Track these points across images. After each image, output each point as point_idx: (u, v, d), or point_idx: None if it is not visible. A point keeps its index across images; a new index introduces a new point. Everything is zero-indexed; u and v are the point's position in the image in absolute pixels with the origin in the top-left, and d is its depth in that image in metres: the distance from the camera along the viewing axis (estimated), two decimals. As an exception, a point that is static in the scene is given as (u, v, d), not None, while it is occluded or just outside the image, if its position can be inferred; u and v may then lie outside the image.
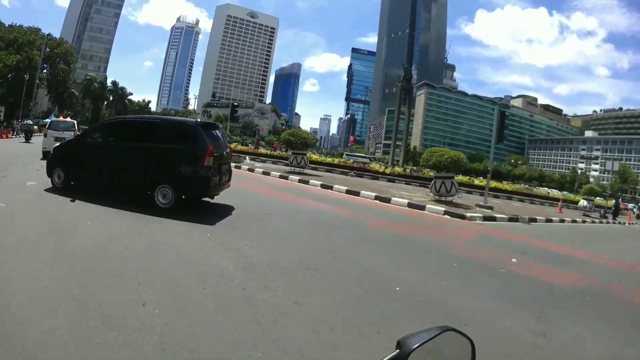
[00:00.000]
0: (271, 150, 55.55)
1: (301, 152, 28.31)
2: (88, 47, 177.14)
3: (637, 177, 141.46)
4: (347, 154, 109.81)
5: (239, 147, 52.32)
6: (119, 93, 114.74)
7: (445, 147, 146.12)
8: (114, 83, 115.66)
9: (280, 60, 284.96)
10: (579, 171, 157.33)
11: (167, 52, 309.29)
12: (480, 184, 40.70)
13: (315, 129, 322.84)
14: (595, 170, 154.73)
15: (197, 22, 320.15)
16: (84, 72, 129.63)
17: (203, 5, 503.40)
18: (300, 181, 21.62)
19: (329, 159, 47.75)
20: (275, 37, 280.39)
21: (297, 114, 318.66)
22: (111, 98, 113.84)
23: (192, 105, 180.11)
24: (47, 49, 72.11)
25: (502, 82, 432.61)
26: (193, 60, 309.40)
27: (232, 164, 13.30)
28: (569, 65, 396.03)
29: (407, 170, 46.14)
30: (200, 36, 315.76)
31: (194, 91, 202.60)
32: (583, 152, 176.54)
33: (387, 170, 40.94)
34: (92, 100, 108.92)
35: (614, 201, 39.47)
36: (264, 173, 24.05)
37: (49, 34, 77.25)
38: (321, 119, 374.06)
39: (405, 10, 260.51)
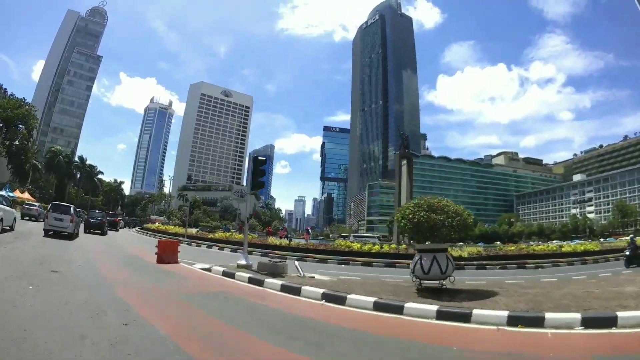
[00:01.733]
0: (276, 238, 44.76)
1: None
2: (58, 120, 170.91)
3: (637, 209, 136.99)
4: (354, 236, 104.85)
5: (223, 234, 44.89)
6: (87, 170, 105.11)
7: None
8: (81, 159, 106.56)
9: (252, 142, 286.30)
10: (579, 216, 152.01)
11: (141, 135, 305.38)
12: (472, 250, 30.03)
13: (291, 211, 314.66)
14: (591, 212, 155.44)
15: (170, 103, 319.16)
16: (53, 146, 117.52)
17: (174, 89, 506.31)
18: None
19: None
20: (250, 117, 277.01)
21: (271, 196, 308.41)
22: (78, 175, 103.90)
23: (167, 188, 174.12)
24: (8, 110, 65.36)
25: (471, 145, 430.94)
26: (167, 143, 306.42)
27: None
28: (533, 116, 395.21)
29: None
30: (173, 120, 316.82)
31: (168, 174, 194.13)
32: (575, 197, 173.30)
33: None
34: (57, 177, 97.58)
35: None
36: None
37: (11, 93, 71.05)
38: (295, 200, 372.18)
39: (377, 83, 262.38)
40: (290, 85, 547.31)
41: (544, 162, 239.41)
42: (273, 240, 37.11)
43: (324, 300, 9.63)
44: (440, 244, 11.32)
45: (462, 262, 24.54)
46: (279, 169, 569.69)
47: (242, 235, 36.63)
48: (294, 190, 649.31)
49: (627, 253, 23.27)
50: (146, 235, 50.07)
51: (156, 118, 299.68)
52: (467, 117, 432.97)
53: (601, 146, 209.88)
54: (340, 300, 9.41)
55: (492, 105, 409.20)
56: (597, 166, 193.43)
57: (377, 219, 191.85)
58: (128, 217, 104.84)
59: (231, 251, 30.13)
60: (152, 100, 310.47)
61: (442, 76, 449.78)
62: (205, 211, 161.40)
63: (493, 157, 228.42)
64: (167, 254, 16.76)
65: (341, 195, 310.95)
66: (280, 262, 15.35)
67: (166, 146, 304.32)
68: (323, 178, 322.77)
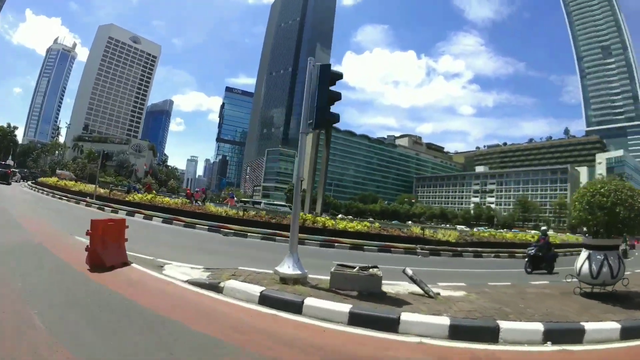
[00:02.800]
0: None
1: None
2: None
3: (538, 206, 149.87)
4: (266, 203, 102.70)
5: (128, 196, 31.04)
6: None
7: (332, 190, 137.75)
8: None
9: (151, 96, 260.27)
10: (483, 206, 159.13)
11: (39, 78, 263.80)
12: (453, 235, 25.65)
13: (182, 170, 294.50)
14: (492, 203, 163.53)
15: (74, 45, 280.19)
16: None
17: (80, 32, 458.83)
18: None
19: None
20: (156, 67, 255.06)
21: (165, 154, 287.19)
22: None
23: (63, 136, 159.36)
24: None
25: (367, 124, 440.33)
26: (65, 90, 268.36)
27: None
28: (435, 105, 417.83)
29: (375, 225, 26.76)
30: (74, 65, 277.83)
31: (65, 121, 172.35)
32: (476, 187, 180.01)
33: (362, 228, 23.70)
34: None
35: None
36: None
37: None
38: (188, 160, 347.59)
39: (289, 50, 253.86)
40: (198, 42, 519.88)
41: (445, 150, 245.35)
42: (215, 208, 26.55)
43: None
44: (613, 239, 8.57)
45: (459, 249, 22.79)
46: (174, 126, 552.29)
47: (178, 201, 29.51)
48: (187, 149, 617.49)
49: (531, 252, 16.71)
50: (43, 193, 37.44)
51: (57, 61, 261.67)
52: (368, 96, 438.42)
53: (505, 144, 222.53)
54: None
55: (395, 88, 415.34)
56: (498, 161, 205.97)
57: (274, 186, 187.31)
58: (19, 168, 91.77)
59: (207, 230, 20.52)
60: (55, 41, 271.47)
61: (350, 53, 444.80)
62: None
63: (396, 138, 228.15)
64: (108, 247, 7.99)
65: (235, 158, 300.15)
66: (372, 269, 7.94)
67: (64, 93, 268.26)
68: (219, 139, 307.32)
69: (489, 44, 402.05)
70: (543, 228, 19.35)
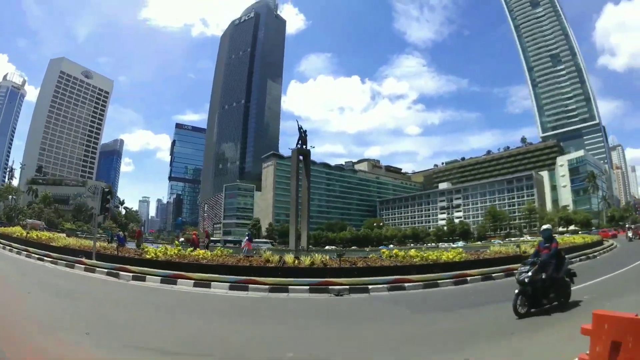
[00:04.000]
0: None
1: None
2: None
3: (508, 214, 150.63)
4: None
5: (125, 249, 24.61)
6: None
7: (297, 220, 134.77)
8: None
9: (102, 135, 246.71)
10: (455, 221, 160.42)
11: None
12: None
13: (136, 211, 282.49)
14: (459, 218, 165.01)
15: (24, 82, 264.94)
16: None
17: (27, 70, 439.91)
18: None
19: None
20: (108, 104, 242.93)
21: (117, 196, 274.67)
22: None
23: (17, 179, 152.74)
24: None
25: (315, 152, 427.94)
26: (15, 130, 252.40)
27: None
28: (381, 128, 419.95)
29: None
30: (24, 105, 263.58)
31: (19, 162, 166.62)
32: (442, 203, 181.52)
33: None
34: None
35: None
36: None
37: None
38: (140, 201, 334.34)
39: (241, 82, 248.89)
40: (142, 79, 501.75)
41: (402, 171, 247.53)
42: (202, 254, 19.47)
43: None
44: None
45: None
46: (123, 166, 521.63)
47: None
48: (137, 190, 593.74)
49: (525, 278, 9.70)
50: (11, 250, 27.76)
51: (6, 100, 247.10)
52: (314, 125, 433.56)
53: (463, 158, 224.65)
54: None
55: (341, 115, 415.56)
56: (458, 176, 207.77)
57: (235, 222, 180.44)
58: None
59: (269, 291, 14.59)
60: (4, 78, 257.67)
61: (295, 82, 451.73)
62: (57, 210, 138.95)
63: (355, 163, 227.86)
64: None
65: (189, 197, 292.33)
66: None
67: (13, 134, 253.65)
68: (171, 178, 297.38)
69: (431, 63, 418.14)
70: (546, 227, 11.29)
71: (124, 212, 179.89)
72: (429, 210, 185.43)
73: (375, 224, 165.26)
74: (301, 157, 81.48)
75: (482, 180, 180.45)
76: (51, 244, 26.25)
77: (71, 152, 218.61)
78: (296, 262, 17.04)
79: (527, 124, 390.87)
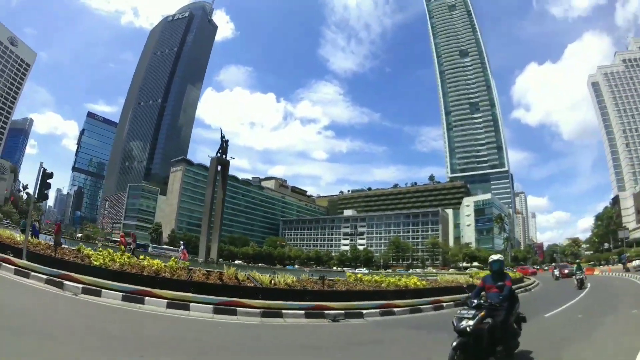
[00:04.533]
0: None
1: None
2: None
3: (412, 246, 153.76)
4: (154, 247, 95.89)
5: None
6: None
7: (197, 231, 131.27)
8: None
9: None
10: (359, 247, 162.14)
11: None
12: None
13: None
14: (362, 245, 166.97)
15: None
16: None
17: None
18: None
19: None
20: (27, 77, 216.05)
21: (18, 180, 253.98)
22: None
23: None
24: None
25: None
26: None
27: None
28: (288, 149, 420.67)
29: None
30: None
31: None
32: (346, 230, 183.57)
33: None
34: None
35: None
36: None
37: None
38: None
39: (162, 81, 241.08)
40: (62, 59, 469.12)
41: (307, 193, 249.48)
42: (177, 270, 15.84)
43: None
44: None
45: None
46: (28, 148, 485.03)
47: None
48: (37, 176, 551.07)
49: (467, 327, 7.05)
50: None
51: None
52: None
53: (369, 189, 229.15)
54: None
55: (251, 129, 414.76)
56: (363, 205, 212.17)
57: (135, 224, 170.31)
58: None
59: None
60: None
61: (211, 90, 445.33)
62: None
63: (262, 180, 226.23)
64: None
65: (91, 191, 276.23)
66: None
67: None
68: (75, 169, 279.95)
69: (347, 93, 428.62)
70: (497, 258, 8.57)
71: (25, 197, 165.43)
72: (332, 234, 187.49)
73: (278, 243, 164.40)
74: (219, 168, 78.75)
75: (387, 212, 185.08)
76: None
77: None
78: (272, 282, 15.33)
79: (433, 164, 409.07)
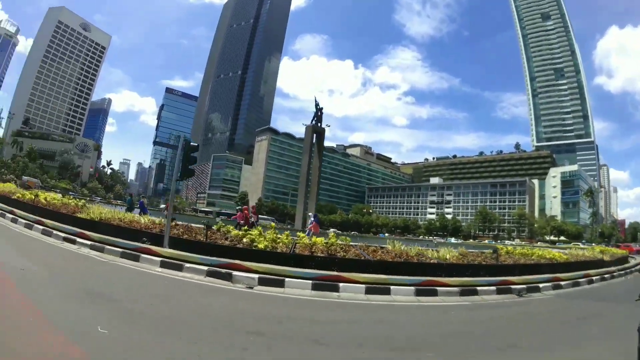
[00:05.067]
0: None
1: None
2: None
3: (499, 217, 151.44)
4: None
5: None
6: None
7: (286, 198, 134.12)
8: None
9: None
10: (449, 216, 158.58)
11: None
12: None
13: (122, 172, 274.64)
14: (449, 214, 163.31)
15: (18, 31, 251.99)
16: None
17: (21, 19, 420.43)
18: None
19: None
20: (104, 60, 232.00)
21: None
22: None
23: (2, 130, 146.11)
24: None
25: (299, 132, 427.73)
26: (2, 81, 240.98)
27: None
28: (368, 115, 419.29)
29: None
30: (20, 49, 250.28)
31: (9, 111, 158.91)
32: (432, 198, 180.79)
33: None
34: None
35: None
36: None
37: None
38: (120, 163, 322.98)
39: (240, 53, 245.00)
40: (135, 40, 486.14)
41: (392, 160, 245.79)
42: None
43: None
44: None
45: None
46: (107, 126, 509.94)
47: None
48: (118, 151, 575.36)
49: None
50: (6, 217, 18.42)
51: None
52: (301, 104, 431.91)
53: (455, 156, 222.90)
54: None
55: (329, 97, 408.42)
56: (448, 173, 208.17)
57: (220, 194, 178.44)
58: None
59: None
60: None
61: (287, 59, 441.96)
62: (41, 166, 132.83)
63: (347, 147, 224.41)
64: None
65: (171, 163, 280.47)
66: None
67: (1, 84, 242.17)
68: (156, 142, 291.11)
69: (426, 59, 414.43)
70: None
71: (109, 172, 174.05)
72: (418, 203, 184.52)
73: (364, 210, 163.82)
74: (315, 136, 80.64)
75: (472, 180, 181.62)
76: (77, 214, 16.44)
77: (60, 105, 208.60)
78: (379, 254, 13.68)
79: (515, 131, 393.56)
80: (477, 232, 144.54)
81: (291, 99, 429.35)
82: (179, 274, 10.63)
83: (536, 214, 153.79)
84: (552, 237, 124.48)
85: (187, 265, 11.03)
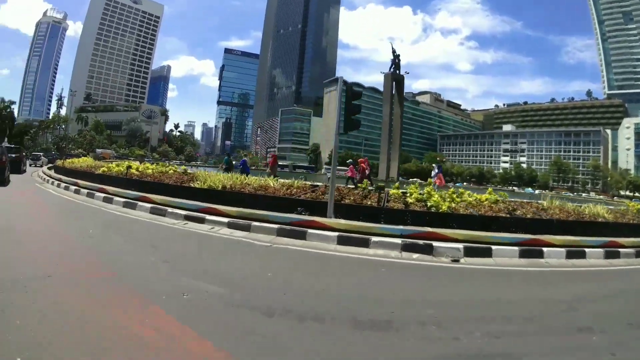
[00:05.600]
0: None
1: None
2: None
3: (573, 167, 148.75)
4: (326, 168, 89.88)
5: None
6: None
7: (360, 148, 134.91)
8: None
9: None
10: (524, 165, 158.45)
11: (29, 57, 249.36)
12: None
13: (191, 133, 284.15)
14: (523, 163, 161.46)
15: (65, 16, 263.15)
16: None
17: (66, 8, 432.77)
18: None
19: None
20: (159, 29, 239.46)
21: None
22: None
23: (66, 108, 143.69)
24: None
25: (363, 81, 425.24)
26: (57, 66, 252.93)
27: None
28: (431, 61, 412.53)
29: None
30: (65, 40, 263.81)
31: (70, 89, 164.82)
32: (506, 146, 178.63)
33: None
34: None
35: None
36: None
37: None
38: (185, 125, 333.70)
39: (298, 5, 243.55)
40: (184, 8, 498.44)
41: (462, 107, 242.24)
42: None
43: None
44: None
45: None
46: (169, 92, 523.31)
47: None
48: (181, 114, 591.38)
49: None
50: (88, 195, 15.67)
51: (47, 37, 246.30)
52: (362, 54, 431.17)
53: (525, 103, 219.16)
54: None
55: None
56: (520, 120, 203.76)
57: (290, 147, 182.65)
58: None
59: None
60: (45, 14, 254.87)
61: (343, 9, 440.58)
62: (109, 136, 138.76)
63: (416, 95, 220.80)
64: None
65: (237, 121, 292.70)
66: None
67: (56, 70, 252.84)
68: (220, 102, 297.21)
69: (485, 2, 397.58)
70: None
71: (178, 135, 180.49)
72: (491, 151, 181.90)
73: (438, 158, 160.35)
74: (394, 84, 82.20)
75: (544, 128, 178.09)
76: (191, 184, 14.01)
77: (121, 78, 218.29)
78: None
79: (581, 77, 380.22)
80: (552, 184, 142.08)
81: (352, 49, 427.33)
82: (362, 250, 8.74)
83: (609, 166, 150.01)
84: (627, 192, 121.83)
85: (374, 239, 9.05)
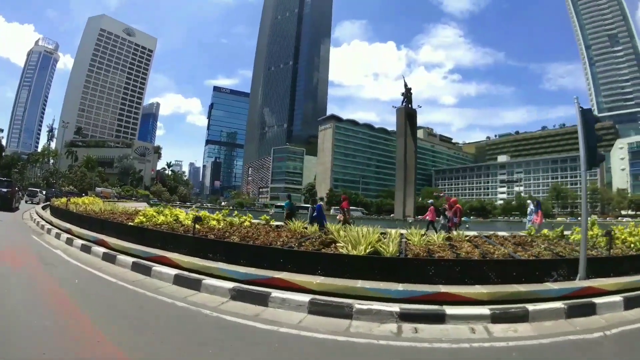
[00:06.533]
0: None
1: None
2: None
3: (572, 192, 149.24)
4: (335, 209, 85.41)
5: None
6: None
7: (357, 187, 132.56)
8: None
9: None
10: (523, 194, 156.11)
11: (19, 88, 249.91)
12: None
13: (183, 172, 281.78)
14: (521, 192, 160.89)
15: (57, 47, 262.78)
16: None
17: (57, 38, 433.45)
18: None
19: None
20: (152, 62, 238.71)
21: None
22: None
23: (56, 141, 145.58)
24: None
25: (360, 118, 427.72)
26: (47, 98, 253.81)
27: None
28: (416, 96, 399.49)
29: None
30: (56, 73, 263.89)
31: (62, 120, 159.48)
32: (502, 177, 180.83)
33: None
34: None
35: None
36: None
37: None
38: (172, 164, 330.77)
39: (289, 43, 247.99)
40: (174, 45, 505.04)
41: (453, 141, 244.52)
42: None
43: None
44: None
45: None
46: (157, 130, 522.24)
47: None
48: (168, 153, 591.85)
49: None
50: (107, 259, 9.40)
51: (38, 68, 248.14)
52: (347, 91, 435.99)
53: (517, 132, 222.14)
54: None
55: (375, 81, 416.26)
56: (512, 150, 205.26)
57: (283, 187, 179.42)
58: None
59: None
60: (37, 43, 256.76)
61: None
62: (100, 174, 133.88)
63: None
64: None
65: (226, 161, 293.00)
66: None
67: (46, 102, 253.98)
68: (209, 141, 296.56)
69: (467, 35, 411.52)
70: None
71: (171, 174, 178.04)
72: (487, 182, 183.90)
73: (434, 193, 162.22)
74: (406, 119, 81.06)
75: (536, 157, 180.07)
76: (248, 241, 8.92)
77: (112, 113, 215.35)
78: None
79: (565, 103, 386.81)
80: (551, 211, 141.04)
81: (336, 86, 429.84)
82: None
83: (604, 187, 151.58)
84: (628, 212, 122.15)
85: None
